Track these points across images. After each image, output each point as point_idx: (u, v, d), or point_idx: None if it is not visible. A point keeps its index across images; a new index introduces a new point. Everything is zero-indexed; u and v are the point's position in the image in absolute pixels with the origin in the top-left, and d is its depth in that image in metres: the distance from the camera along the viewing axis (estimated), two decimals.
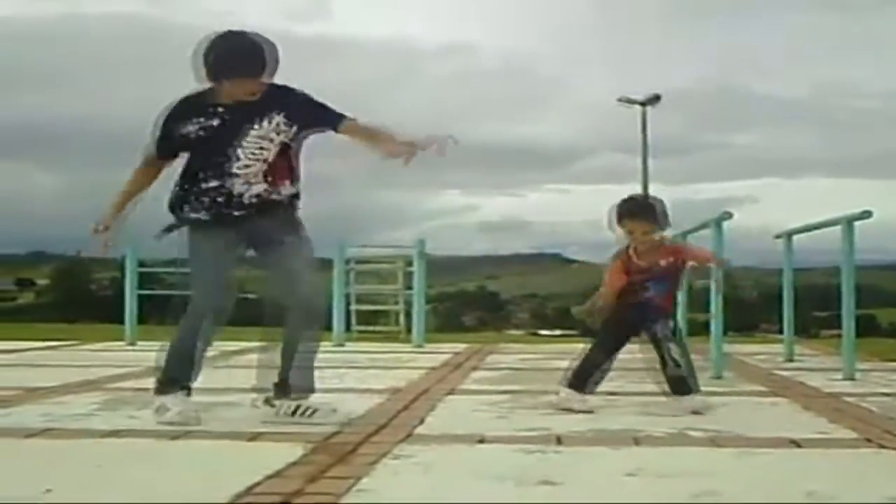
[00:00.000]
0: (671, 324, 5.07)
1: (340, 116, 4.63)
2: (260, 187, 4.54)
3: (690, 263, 5.32)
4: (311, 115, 4.64)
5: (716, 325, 6.98)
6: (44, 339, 11.07)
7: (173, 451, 3.80)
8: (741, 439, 4.03)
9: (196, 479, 3.25)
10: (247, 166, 4.53)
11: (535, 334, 35.90)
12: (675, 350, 4.97)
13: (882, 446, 3.85)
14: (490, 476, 3.26)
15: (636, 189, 35.71)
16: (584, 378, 5.03)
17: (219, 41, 4.50)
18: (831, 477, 3.33)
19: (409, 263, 11.61)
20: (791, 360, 8.22)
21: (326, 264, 12.20)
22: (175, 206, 4.64)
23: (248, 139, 4.53)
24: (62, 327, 17.05)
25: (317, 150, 4.90)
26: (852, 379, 6.53)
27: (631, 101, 34.50)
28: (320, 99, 4.68)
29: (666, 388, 5.00)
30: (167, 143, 4.60)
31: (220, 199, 4.54)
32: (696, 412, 4.76)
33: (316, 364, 4.65)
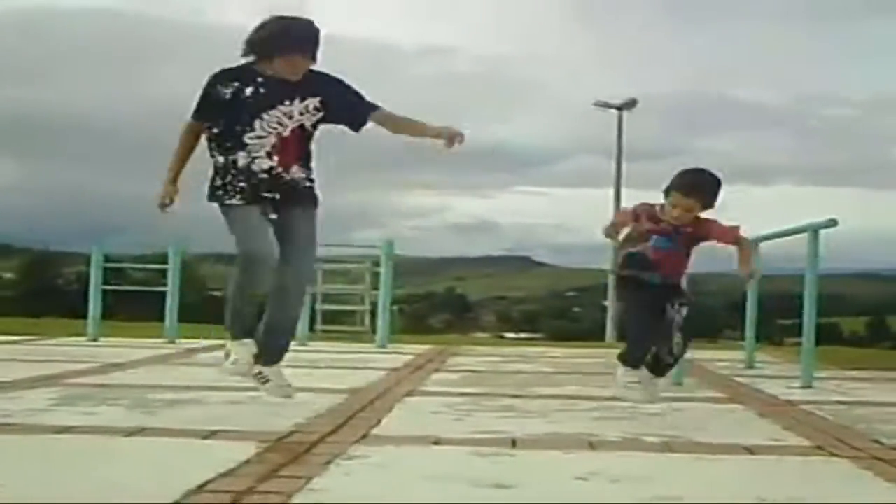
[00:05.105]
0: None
1: (374, 106, 4.85)
2: (265, 163, 4.66)
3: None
4: (345, 105, 4.81)
5: None
6: (6, 334, 10.96)
7: (127, 448, 3.79)
8: (695, 445, 4.06)
9: (148, 476, 3.24)
10: (259, 137, 4.66)
11: (501, 337, 35.99)
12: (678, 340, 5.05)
13: (833, 454, 3.89)
14: (442, 478, 3.27)
15: (609, 194, 35.73)
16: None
17: (277, 19, 4.67)
18: (781, 484, 3.37)
19: (378, 264, 11.60)
20: (751, 367, 8.29)
21: None
22: (214, 189, 4.75)
23: (272, 112, 4.66)
24: (26, 322, 16.89)
25: None
26: (810, 387, 6.59)
27: (608, 105, 34.50)
28: (355, 87, 4.85)
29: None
30: (205, 104, 4.72)
31: (233, 171, 4.67)
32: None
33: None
